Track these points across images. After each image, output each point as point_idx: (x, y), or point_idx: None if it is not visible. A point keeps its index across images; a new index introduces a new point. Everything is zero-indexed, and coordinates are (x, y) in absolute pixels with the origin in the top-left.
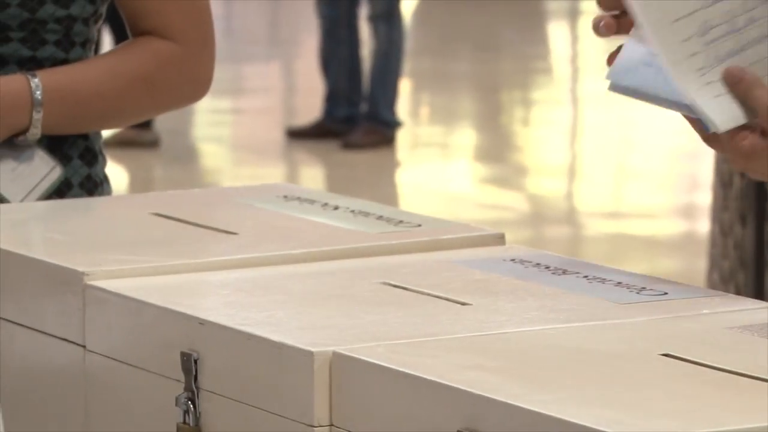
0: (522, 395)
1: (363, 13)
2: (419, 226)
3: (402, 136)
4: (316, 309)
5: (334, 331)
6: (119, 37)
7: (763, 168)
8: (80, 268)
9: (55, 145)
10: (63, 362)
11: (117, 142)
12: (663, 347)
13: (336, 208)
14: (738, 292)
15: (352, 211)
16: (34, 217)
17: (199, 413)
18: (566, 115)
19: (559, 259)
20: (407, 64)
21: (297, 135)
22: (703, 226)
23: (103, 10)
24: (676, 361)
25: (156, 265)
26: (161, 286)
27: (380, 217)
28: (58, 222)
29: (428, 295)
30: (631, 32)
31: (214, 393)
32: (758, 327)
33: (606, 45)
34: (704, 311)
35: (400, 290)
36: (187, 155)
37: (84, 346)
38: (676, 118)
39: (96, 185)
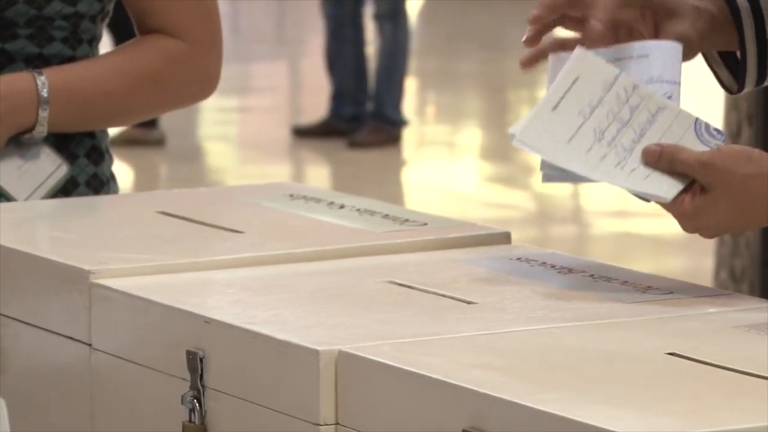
0: (527, 394)
1: (368, 12)
2: (425, 224)
3: (408, 135)
4: (321, 308)
5: (339, 329)
6: (117, 36)
7: (712, 223)
8: (86, 267)
9: (62, 143)
10: (69, 361)
11: (123, 141)
12: (668, 346)
13: (342, 206)
14: (751, 291)
15: (358, 210)
16: (40, 215)
17: (205, 411)
18: None
19: (565, 258)
20: (413, 63)
21: (303, 134)
22: None
23: (110, 7)
24: (682, 360)
25: (162, 264)
26: (167, 285)
27: (386, 216)
28: (65, 220)
29: (434, 293)
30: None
31: (220, 391)
32: (764, 326)
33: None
34: (710, 310)
35: (406, 289)
36: (194, 154)
37: (90, 345)
38: None
39: (102, 184)
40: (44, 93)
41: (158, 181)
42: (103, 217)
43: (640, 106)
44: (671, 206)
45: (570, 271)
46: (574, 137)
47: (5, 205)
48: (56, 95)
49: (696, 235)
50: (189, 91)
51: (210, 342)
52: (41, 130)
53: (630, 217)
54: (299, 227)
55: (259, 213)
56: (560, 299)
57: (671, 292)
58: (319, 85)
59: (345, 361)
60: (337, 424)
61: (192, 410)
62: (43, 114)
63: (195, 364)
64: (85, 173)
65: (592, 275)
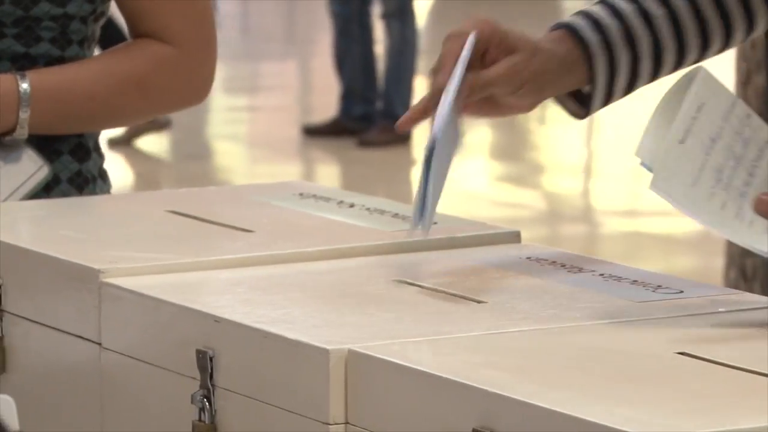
0: (537, 394)
1: (375, 10)
2: (435, 223)
3: (417, 134)
4: (331, 307)
5: (349, 328)
6: (105, 40)
7: None
8: (96, 266)
9: (46, 140)
10: (78, 360)
11: (129, 134)
12: (679, 345)
13: (351, 205)
14: (762, 290)
15: (368, 209)
16: (50, 214)
17: (215, 411)
18: None
19: (575, 257)
20: (422, 62)
21: (313, 133)
22: None
23: (105, 8)
24: (692, 359)
25: (172, 263)
26: (177, 284)
27: (396, 215)
28: (74, 219)
29: (444, 293)
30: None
31: (230, 390)
32: None
33: None
34: (720, 309)
35: (416, 288)
36: (203, 153)
37: (99, 344)
38: None
39: (87, 181)
40: (25, 95)
41: (168, 180)
42: (112, 216)
43: (752, 140)
44: None
45: (580, 270)
46: (699, 180)
47: (14, 203)
48: (38, 97)
49: (706, 235)
50: (179, 96)
51: (220, 341)
52: (22, 132)
53: (640, 216)
54: (309, 226)
55: (269, 212)
56: (570, 299)
57: (681, 292)
58: (329, 85)
59: (355, 360)
60: (346, 423)
61: (202, 409)
62: (24, 116)
63: (205, 363)
64: (68, 170)
65: (602, 274)
